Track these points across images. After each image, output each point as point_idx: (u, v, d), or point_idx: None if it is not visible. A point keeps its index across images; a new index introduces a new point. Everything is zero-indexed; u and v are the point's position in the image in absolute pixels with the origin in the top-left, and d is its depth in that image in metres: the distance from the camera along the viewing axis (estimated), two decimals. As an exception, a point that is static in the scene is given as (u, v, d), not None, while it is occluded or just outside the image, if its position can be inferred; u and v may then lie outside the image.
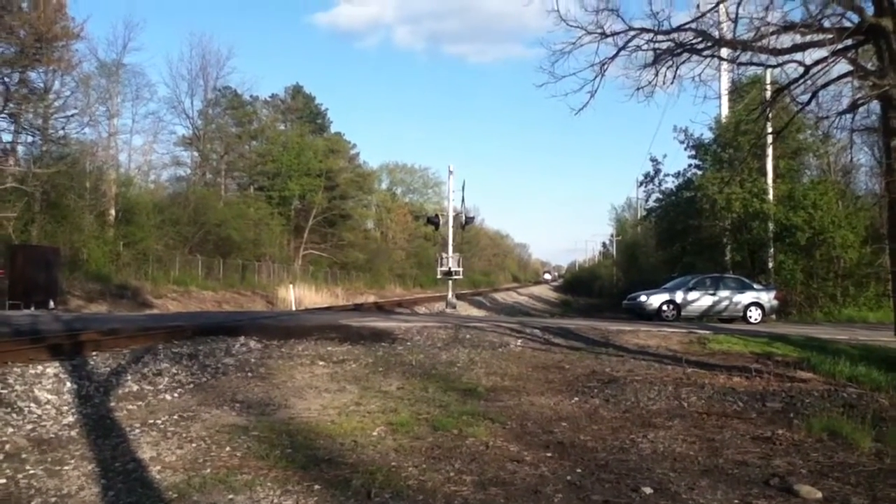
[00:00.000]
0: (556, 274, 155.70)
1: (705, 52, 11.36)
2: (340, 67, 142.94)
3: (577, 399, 8.24)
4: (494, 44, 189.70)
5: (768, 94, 15.82)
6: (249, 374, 9.23)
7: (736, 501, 4.74)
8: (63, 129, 32.23)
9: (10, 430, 6.14)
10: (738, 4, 10.79)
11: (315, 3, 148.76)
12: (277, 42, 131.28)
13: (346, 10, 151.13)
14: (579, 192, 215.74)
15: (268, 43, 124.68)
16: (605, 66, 11.73)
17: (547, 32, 71.97)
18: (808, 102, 11.79)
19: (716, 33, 11.61)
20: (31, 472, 5.03)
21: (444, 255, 32.49)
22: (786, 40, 10.87)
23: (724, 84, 22.18)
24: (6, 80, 29.53)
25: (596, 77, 11.83)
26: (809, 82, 10.96)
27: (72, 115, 32.20)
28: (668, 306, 22.07)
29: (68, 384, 7.91)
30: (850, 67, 10.92)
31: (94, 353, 9.69)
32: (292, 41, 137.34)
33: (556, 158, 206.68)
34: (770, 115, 13.73)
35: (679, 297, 22.17)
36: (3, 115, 29.42)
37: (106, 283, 28.74)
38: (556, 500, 4.68)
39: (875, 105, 11.87)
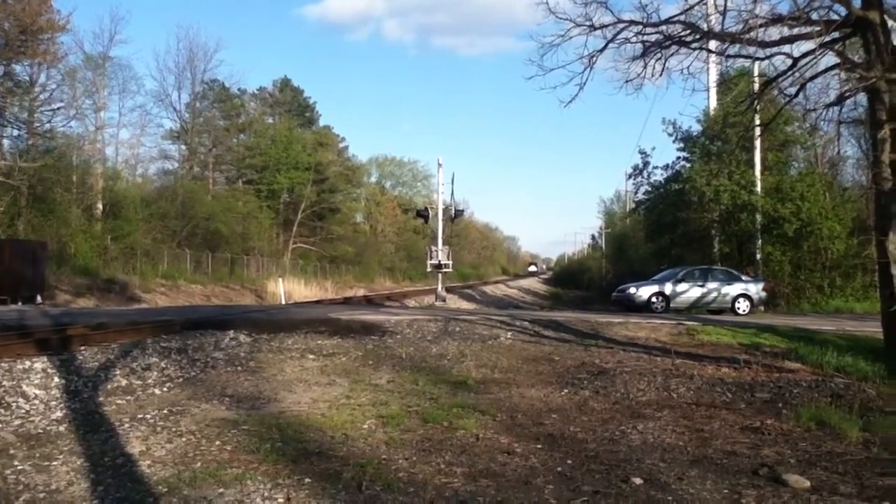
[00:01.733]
0: (545, 266, 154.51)
1: (694, 45, 11.39)
2: (329, 60, 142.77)
3: (566, 391, 8.27)
4: (484, 36, 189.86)
5: (756, 86, 15.86)
6: (239, 368, 9.21)
7: (725, 491, 4.77)
8: (49, 122, 32.12)
9: (-2, 425, 6.11)
10: (727, -3, 10.81)
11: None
12: (266, 34, 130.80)
13: (336, 3, 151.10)
14: (568, 185, 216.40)
15: (256, 35, 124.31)
16: (594, 59, 11.76)
17: (536, 25, 72.16)
18: (796, 95, 11.84)
19: (704, 26, 11.64)
20: (20, 467, 5.00)
21: (433, 248, 32.44)
22: (773, 33, 10.92)
23: (713, 76, 22.27)
24: (-9, 73, 29.33)
25: (585, 69, 11.86)
26: (797, 75, 11.01)
27: (58, 109, 32.09)
28: (657, 298, 22.17)
29: (56, 379, 7.86)
30: (838, 60, 10.95)
31: (82, 348, 9.63)
32: (281, 34, 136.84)
33: (546, 151, 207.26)
34: (758, 107, 13.79)
35: (668, 288, 22.28)
36: (-13, 109, 29.23)
37: (94, 277, 28.58)
38: (546, 491, 4.70)
39: (862, 97, 11.90)
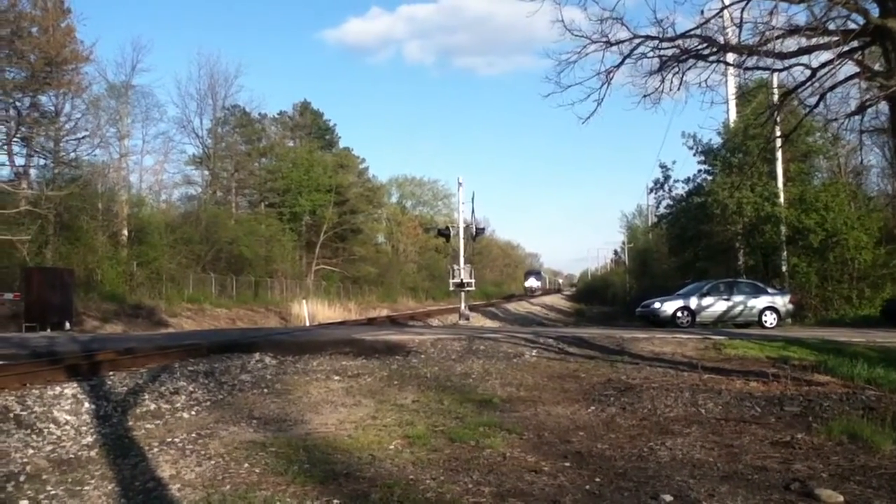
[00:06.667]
0: (563, 281, 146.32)
1: (711, 58, 11.38)
2: (350, 83, 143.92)
3: (593, 408, 8.21)
4: (504, 56, 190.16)
5: (775, 97, 15.80)
6: (265, 391, 9.26)
7: (757, 507, 4.71)
8: (74, 151, 32.80)
9: (31, 451, 6.19)
10: (743, 9, 10.80)
11: (324, 20, 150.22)
12: (285, 59, 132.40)
13: (356, 27, 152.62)
14: (590, 201, 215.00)
15: (276, 60, 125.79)
16: (611, 75, 11.77)
17: (553, 43, 72.39)
18: (816, 105, 11.78)
19: (721, 39, 11.62)
20: (52, 492, 5.06)
21: (455, 266, 32.52)
22: (791, 44, 10.89)
23: (731, 89, 22.16)
24: (17, 104, 30.07)
25: (602, 85, 11.87)
26: (817, 85, 10.94)
27: (83, 138, 32.75)
28: (683, 313, 22.00)
29: (86, 404, 7.95)
30: (857, 69, 10.88)
31: (111, 373, 9.74)
32: (300, 58, 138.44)
33: (566, 167, 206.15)
34: (778, 118, 13.72)
35: (693, 303, 22.10)
36: (15, 139, 29.93)
37: (121, 303, 28.93)
38: (575, 509, 4.67)
39: (884, 106, 11.83)
